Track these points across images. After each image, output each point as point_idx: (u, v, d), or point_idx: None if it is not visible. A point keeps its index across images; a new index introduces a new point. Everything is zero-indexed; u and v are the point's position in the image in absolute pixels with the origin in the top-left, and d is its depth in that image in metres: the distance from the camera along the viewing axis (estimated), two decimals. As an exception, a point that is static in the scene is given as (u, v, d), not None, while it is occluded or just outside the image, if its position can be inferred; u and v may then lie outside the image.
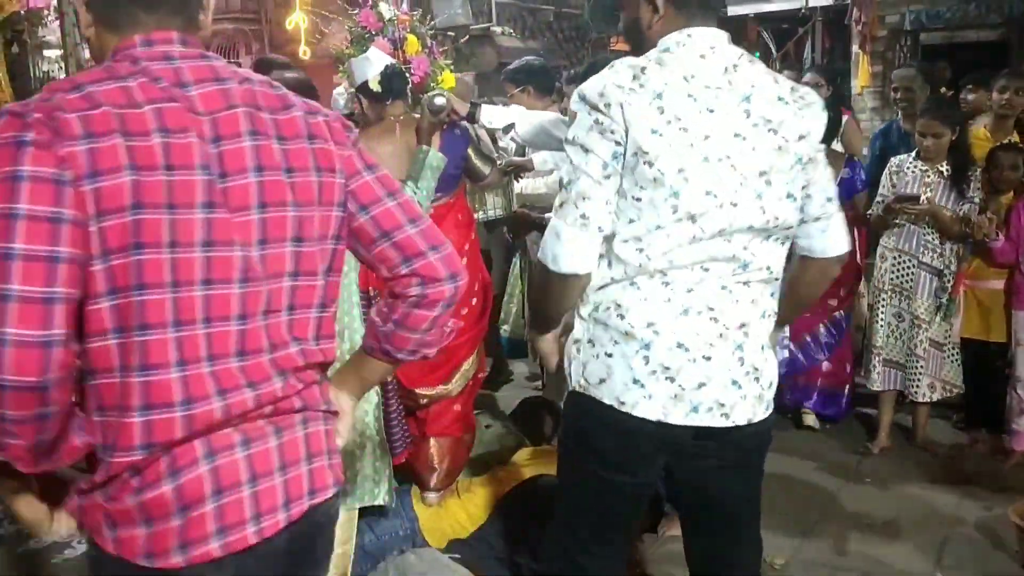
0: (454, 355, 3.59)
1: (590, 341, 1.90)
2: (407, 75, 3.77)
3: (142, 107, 1.27)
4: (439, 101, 3.38)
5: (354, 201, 1.48)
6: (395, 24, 3.98)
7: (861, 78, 8.35)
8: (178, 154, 1.27)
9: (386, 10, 4.02)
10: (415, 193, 3.18)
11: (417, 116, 3.53)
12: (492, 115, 3.61)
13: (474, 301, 3.67)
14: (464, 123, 3.68)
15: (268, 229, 1.36)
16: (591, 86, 1.78)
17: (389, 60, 3.64)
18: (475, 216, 4.51)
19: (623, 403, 1.86)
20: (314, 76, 9.10)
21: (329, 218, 1.45)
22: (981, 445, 4.36)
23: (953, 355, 4.30)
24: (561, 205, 1.80)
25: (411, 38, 4.04)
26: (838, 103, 5.24)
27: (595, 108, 1.76)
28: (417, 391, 3.53)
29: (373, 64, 3.56)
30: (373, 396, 3.07)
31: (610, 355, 1.87)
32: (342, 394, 1.58)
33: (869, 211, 4.38)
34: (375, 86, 3.55)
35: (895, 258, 4.28)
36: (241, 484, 1.34)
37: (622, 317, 1.85)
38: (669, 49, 1.84)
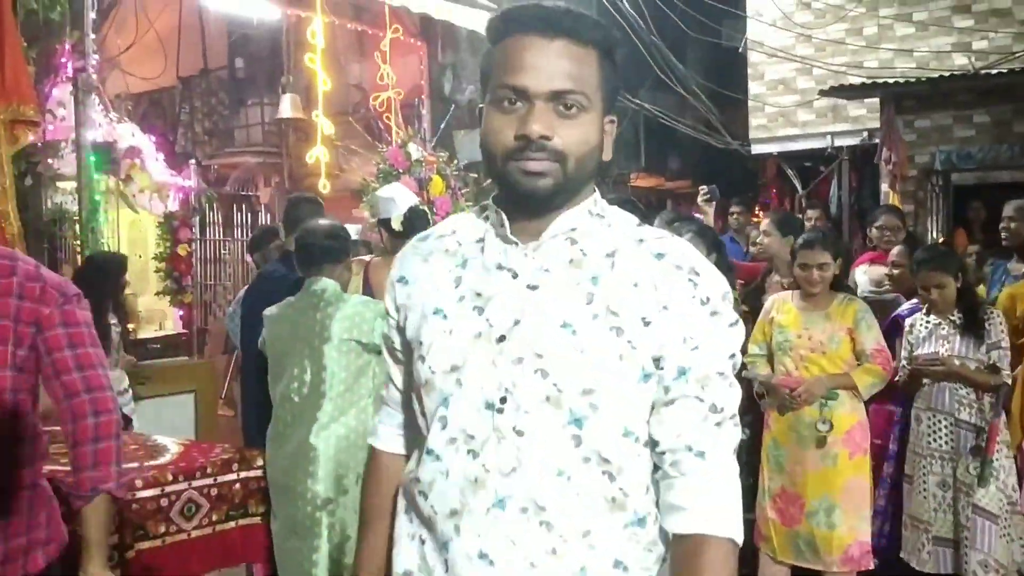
0: None
1: None
2: (429, 216, 3.69)
3: None
4: None
5: (45, 346, 1.93)
6: (423, 165, 3.95)
7: (893, 217, 8.14)
8: None
9: (414, 150, 4.03)
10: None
11: None
12: None
13: None
14: None
15: None
16: (725, 286, 1.31)
17: (413, 200, 3.57)
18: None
19: None
20: (334, 209, 8.92)
21: (13, 354, 1.90)
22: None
23: (1008, 529, 3.76)
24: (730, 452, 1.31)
25: (436, 179, 4.12)
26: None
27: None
28: None
29: (397, 205, 3.53)
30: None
31: None
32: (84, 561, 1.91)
33: (896, 378, 4.05)
34: (397, 225, 3.55)
35: (929, 419, 3.88)
36: None
37: None
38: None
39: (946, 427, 3.83)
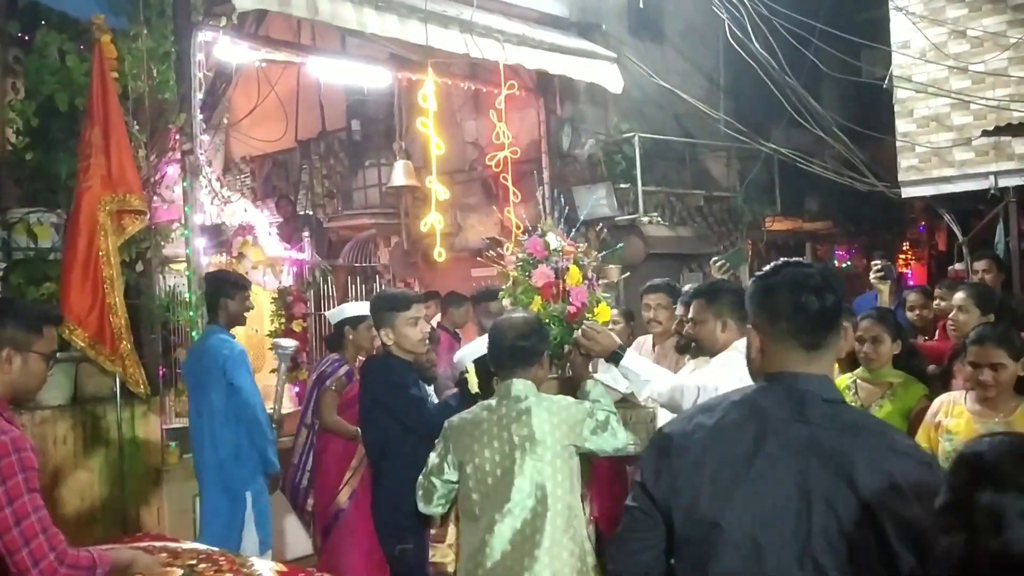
0: None
1: None
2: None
3: None
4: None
5: None
6: (560, 254, 3.90)
7: (1074, 268, 7.18)
8: None
9: (553, 240, 3.95)
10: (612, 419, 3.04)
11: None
12: (637, 368, 3.37)
13: None
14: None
15: None
16: None
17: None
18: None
19: None
20: (452, 270, 8.50)
21: None
22: None
23: None
24: None
25: (573, 269, 3.90)
26: None
27: None
28: None
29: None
30: None
31: None
32: None
33: None
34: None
35: None
36: None
37: None
38: None
39: None
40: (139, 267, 5.90)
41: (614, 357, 3.40)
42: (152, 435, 5.86)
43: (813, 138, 10.32)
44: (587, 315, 3.92)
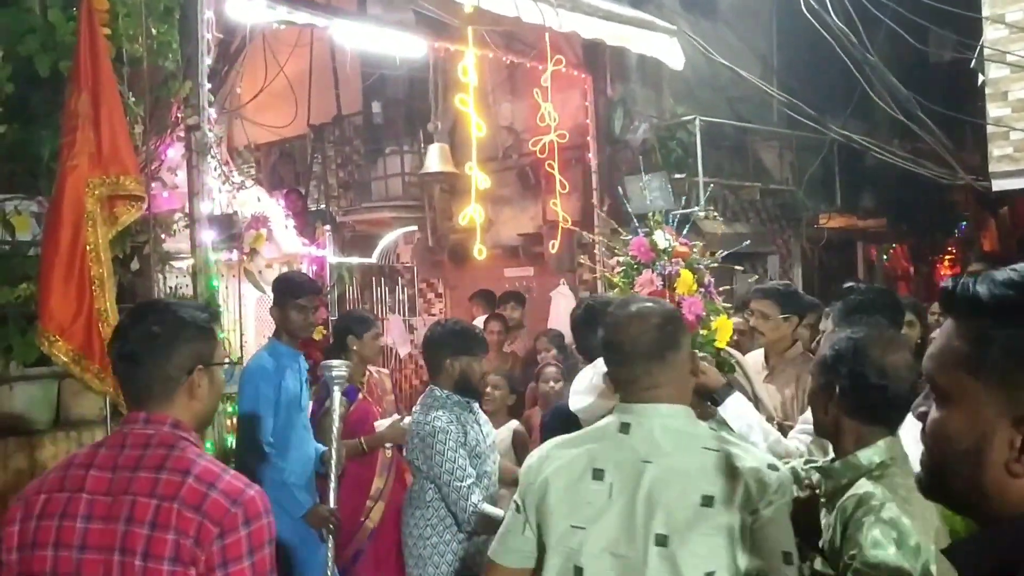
0: None
1: None
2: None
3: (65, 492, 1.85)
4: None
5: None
6: (669, 256, 3.19)
7: None
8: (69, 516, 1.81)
9: (662, 239, 3.20)
10: None
11: None
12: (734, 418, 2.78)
13: None
14: None
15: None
16: None
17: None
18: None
19: None
20: (483, 268, 7.47)
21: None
22: None
23: None
24: None
25: (685, 274, 3.20)
26: None
27: None
28: None
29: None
30: None
31: None
32: None
33: None
34: None
35: None
36: None
37: None
38: None
39: None
40: (135, 265, 4.96)
41: (713, 396, 2.83)
42: (148, 464, 4.93)
43: (867, 129, 9.46)
44: (701, 331, 3.26)
